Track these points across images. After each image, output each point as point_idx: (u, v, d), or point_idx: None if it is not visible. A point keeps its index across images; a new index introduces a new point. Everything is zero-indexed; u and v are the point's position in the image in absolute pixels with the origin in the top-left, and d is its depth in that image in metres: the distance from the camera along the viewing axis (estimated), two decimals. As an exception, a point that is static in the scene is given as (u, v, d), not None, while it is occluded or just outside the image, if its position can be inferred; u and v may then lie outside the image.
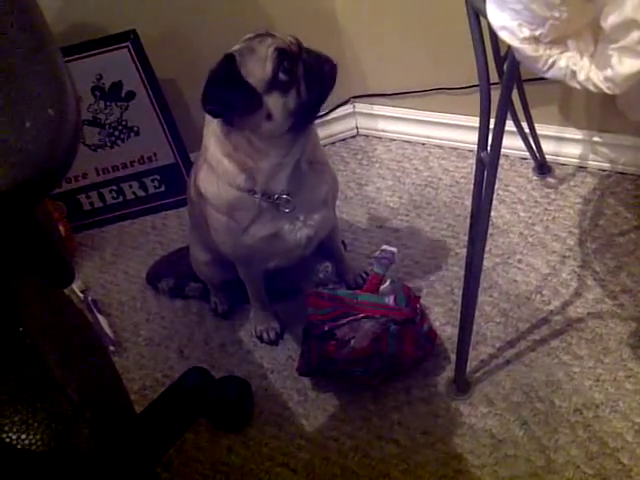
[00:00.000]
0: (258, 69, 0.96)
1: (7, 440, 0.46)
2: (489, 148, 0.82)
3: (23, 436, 0.46)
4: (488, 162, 0.82)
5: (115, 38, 1.52)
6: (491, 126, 0.88)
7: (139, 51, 1.53)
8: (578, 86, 0.70)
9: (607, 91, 0.67)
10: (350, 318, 1.10)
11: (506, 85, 0.79)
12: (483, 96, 0.83)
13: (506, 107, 0.79)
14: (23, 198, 0.47)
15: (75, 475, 0.50)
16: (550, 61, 0.72)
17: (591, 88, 0.68)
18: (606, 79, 0.68)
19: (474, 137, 0.96)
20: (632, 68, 0.64)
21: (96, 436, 0.50)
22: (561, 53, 0.71)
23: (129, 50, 1.54)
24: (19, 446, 0.46)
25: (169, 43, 1.58)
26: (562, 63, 0.71)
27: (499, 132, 0.79)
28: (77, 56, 1.51)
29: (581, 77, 0.70)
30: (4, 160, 0.45)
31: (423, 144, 1.72)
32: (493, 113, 0.87)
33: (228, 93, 0.96)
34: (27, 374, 0.50)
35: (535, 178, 1.53)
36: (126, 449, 0.66)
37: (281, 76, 0.96)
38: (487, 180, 0.85)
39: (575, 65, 0.71)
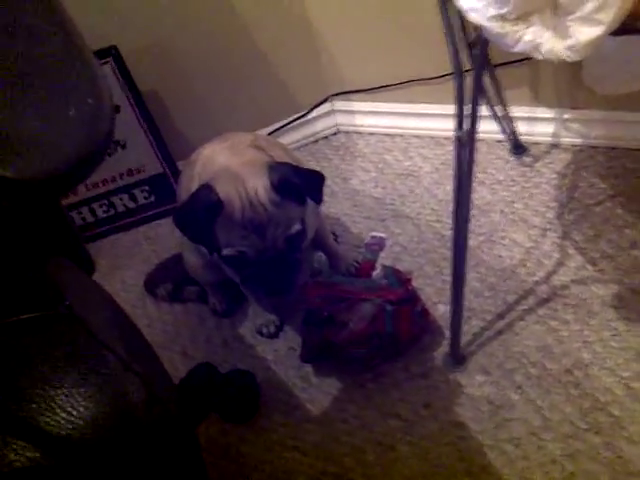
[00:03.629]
0: None
1: (65, 411, 0.50)
2: (465, 125, 0.88)
3: (77, 404, 0.50)
4: (466, 138, 0.87)
5: (97, 55, 1.55)
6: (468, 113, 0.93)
7: (121, 66, 1.58)
8: (542, 57, 0.75)
9: (569, 59, 0.72)
10: (347, 302, 1.15)
11: (479, 61, 0.85)
12: (456, 74, 0.88)
13: (480, 80, 0.84)
14: (75, 177, 0.52)
15: (134, 435, 0.54)
16: (517, 36, 0.77)
17: (554, 58, 0.74)
18: (567, 48, 0.73)
19: (450, 125, 1.01)
20: (590, 35, 0.70)
21: (148, 388, 0.54)
22: (526, 28, 0.77)
23: (111, 66, 1.58)
24: (74, 413, 0.50)
25: (149, 56, 1.62)
26: (527, 37, 0.77)
27: (474, 106, 0.84)
28: (60, 75, 1.55)
29: (546, 48, 0.75)
30: (59, 143, 0.49)
31: (402, 136, 1.77)
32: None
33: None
34: (77, 343, 0.54)
35: (512, 159, 1.58)
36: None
37: None
38: (467, 157, 0.90)
39: (540, 38, 0.76)
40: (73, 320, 0.53)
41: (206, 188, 1.02)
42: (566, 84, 1.51)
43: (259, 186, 1.01)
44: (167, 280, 1.52)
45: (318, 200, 1.05)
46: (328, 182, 1.71)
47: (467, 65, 1.23)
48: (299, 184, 1.01)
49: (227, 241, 1.02)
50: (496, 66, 1.47)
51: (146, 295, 1.55)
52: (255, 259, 1.03)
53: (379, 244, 1.24)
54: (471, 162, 0.92)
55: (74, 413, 0.50)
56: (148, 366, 0.62)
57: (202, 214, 1.00)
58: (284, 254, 1.04)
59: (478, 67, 0.85)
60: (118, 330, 0.62)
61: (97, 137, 0.52)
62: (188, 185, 1.15)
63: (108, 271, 1.67)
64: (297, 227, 1.03)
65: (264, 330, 1.36)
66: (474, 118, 0.85)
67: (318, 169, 1.74)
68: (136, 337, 0.67)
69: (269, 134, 1.79)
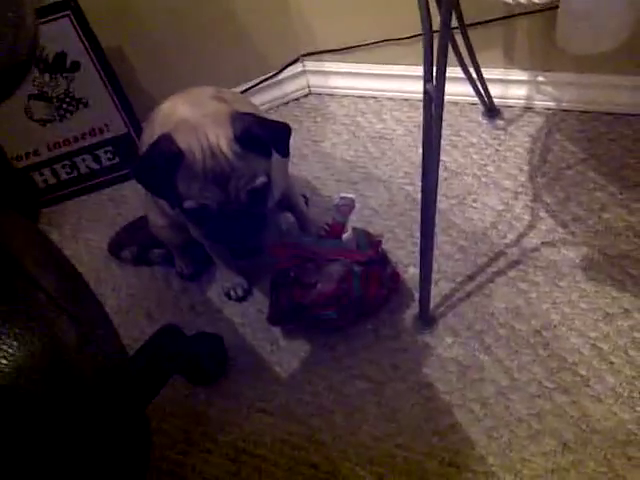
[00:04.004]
0: None
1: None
2: (434, 78, 0.85)
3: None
4: (434, 92, 0.85)
5: (55, 7, 1.49)
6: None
7: (80, 19, 1.50)
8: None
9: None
10: (314, 263, 1.13)
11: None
12: (425, 26, 0.85)
13: (447, 24, 0.81)
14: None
15: (64, 377, 0.51)
16: None
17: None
18: None
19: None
20: None
21: (80, 329, 0.51)
22: None
23: (70, 19, 1.50)
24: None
25: (112, 10, 1.55)
26: None
27: (442, 59, 0.81)
28: (16, 28, 1.48)
29: None
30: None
31: (375, 98, 1.74)
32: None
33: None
34: (4, 278, 0.50)
35: (485, 122, 1.57)
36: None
37: None
38: (435, 110, 0.87)
39: None
40: (2, 256, 0.50)
41: (166, 138, 0.98)
42: (540, 46, 1.49)
43: (221, 136, 0.97)
44: (132, 243, 1.48)
45: (284, 153, 1.01)
46: (299, 144, 1.68)
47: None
48: (264, 135, 0.97)
49: (188, 193, 0.98)
50: (469, 26, 1.44)
51: (111, 259, 1.51)
52: (217, 212, 0.99)
53: (349, 205, 1.21)
54: (440, 116, 0.90)
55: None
56: (83, 307, 0.59)
57: (162, 164, 0.95)
58: (248, 208, 1.00)
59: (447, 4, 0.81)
60: (51, 269, 0.58)
61: (19, 51, 0.48)
62: (149, 142, 1.11)
63: (72, 234, 1.63)
64: (261, 180, 1.00)
65: (232, 293, 1.33)
66: (442, 68, 0.82)
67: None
68: (72, 278, 0.63)
69: (238, 94, 1.74)
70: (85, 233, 1.62)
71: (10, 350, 0.47)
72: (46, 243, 0.63)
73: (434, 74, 0.85)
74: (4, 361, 0.46)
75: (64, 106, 1.60)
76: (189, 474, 1.08)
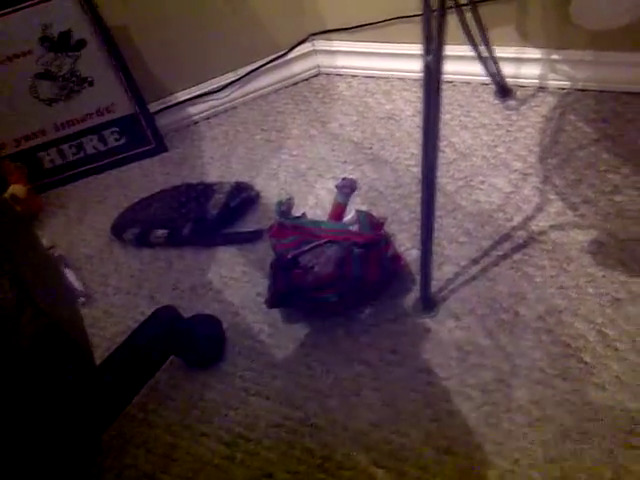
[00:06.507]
0: None
1: None
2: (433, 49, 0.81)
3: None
4: (433, 64, 0.81)
5: (58, -15, 1.47)
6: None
7: (86, -2, 1.49)
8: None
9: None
10: (313, 244, 1.10)
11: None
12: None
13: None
14: None
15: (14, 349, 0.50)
16: None
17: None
18: None
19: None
20: None
21: (19, 291, 0.49)
22: None
23: (75, -3, 1.49)
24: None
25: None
26: None
27: (441, 28, 0.77)
28: (20, 6, 1.47)
29: None
30: None
31: (385, 78, 1.70)
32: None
33: None
34: None
35: (496, 102, 1.52)
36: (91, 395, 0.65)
37: None
38: (433, 83, 0.84)
39: None
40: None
41: None
42: (554, 22, 1.43)
43: None
44: (135, 224, 1.47)
45: None
46: (306, 126, 1.65)
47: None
48: None
49: None
50: (480, 2, 1.39)
51: (114, 240, 1.51)
52: None
53: (350, 187, 1.19)
54: (438, 88, 0.86)
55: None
56: (32, 273, 0.56)
57: None
58: None
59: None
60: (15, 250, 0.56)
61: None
62: None
63: (77, 216, 1.63)
64: None
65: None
66: (441, 37, 0.78)
67: (297, 112, 1.70)
68: (24, 244, 0.61)
69: (245, 75, 1.72)
70: (90, 214, 1.61)
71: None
72: (17, 224, 0.61)
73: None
74: None
75: (70, 85, 1.60)
76: (183, 457, 1.07)
